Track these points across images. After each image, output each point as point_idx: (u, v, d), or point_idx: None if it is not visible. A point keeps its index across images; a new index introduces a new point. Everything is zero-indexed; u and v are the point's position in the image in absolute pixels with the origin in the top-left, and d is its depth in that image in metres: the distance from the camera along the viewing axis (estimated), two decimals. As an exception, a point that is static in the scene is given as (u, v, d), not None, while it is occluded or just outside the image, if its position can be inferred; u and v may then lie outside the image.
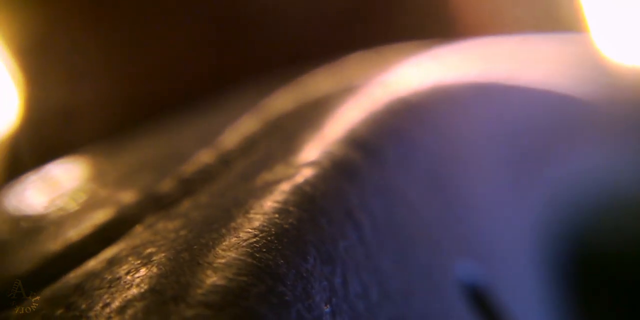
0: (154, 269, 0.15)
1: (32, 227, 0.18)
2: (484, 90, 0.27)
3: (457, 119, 0.25)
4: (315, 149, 0.19)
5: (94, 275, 0.15)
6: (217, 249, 0.15)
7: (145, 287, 0.14)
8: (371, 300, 0.16)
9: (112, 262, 0.15)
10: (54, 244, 0.17)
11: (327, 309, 0.15)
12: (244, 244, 0.15)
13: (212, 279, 0.14)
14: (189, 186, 0.18)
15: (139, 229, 0.17)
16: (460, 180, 0.23)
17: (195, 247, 0.15)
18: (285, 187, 0.17)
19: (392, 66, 0.24)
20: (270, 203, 0.16)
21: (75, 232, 0.17)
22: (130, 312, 0.14)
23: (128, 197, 0.18)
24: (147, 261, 0.15)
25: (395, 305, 0.17)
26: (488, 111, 0.27)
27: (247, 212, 0.16)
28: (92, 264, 0.16)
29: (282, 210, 0.16)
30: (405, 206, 0.19)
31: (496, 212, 0.24)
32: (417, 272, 0.18)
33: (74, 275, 0.15)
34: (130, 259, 0.15)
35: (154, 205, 0.18)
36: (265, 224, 0.16)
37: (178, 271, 0.15)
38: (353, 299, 0.16)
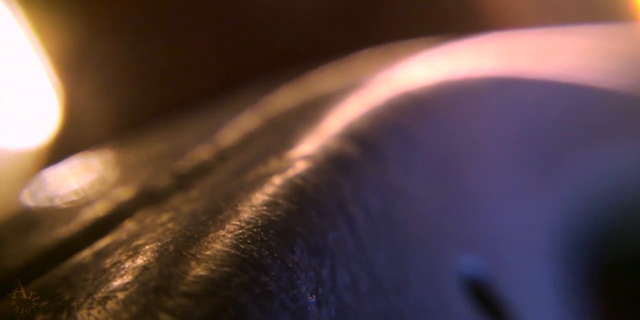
0: (139, 261, 0.15)
1: (30, 222, 0.19)
2: (500, 85, 0.27)
3: (468, 113, 0.25)
4: (311, 143, 0.19)
5: (81, 267, 0.15)
6: (202, 241, 0.15)
7: (129, 278, 0.15)
8: (360, 292, 0.16)
9: (100, 255, 0.16)
10: (47, 239, 0.17)
11: (312, 299, 0.15)
12: (229, 235, 0.15)
13: (195, 270, 0.15)
14: (183, 181, 0.18)
15: (129, 223, 0.17)
16: (468, 176, 0.23)
17: (180, 239, 0.15)
18: (277, 180, 0.17)
19: (401, 62, 0.24)
20: (259, 196, 0.17)
21: (68, 227, 0.17)
22: (111, 302, 0.14)
23: (124, 192, 0.18)
24: (133, 253, 0.15)
25: (386, 297, 0.17)
26: (504, 106, 0.27)
27: (236, 205, 0.16)
28: (81, 257, 0.16)
29: (271, 203, 0.16)
30: (404, 200, 0.19)
31: (509, 209, 0.24)
32: (414, 266, 0.18)
33: (63, 268, 0.16)
34: (117, 251, 0.16)
35: (147, 200, 0.18)
36: (252, 216, 0.16)
37: (162, 263, 0.15)
38: (341, 290, 0.16)
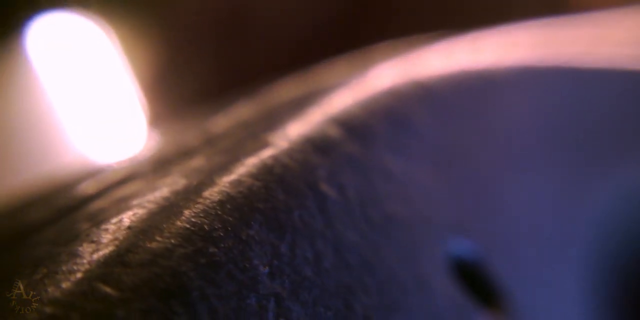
0: (94, 233, 0.16)
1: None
2: (529, 75, 0.27)
3: (490, 104, 0.25)
4: (294, 127, 0.19)
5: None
6: (157, 216, 0.16)
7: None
8: (323, 266, 0.17)
9: (64, 225, 0.16)
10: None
11: (265, 270, 0.16)
12: (184, 210, 0.16)
13: (141, 242, 0.15)
14: (167, 166, 0.19)
15: (100, 202, 0.18)
16: (479, 166, 0.23)
17: (143, 216, 0.16)
18: (248, 160, 0.18)
19: (412, 54, 0.24)
20: (225, 174, 0.17)
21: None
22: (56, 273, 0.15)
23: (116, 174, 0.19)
24: (92, 224, 0.16)
25: (353, 274, 0.17)
26: (536, 98, 0.27)
27: (202, 183, 0.17)
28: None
29: (234, 180, 0.17)
30: (390, 183, 0.19)
31: (529, 205, 0.24)
32: (392, 245, 0.18)
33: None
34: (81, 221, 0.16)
35: (131, 178, 0.19)
36: (212, 192, 0.16)
37: (115, 238, 0.16)
38: (299, 263, 0.16)
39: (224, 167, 0.17)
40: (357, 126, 0.20)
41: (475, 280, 0.20)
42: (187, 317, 0.14)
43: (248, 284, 0.15)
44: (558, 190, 0.26)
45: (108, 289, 0.14)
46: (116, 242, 0.15)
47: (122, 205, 0.17)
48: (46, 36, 0.58)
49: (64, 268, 0.14)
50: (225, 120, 0.21)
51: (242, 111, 0.22)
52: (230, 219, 0.16)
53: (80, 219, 0.16)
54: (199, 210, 0.16)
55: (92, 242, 0.15)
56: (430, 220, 0.20)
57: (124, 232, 0.15)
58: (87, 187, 0.18)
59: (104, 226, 0.15)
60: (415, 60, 0.24)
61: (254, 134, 0.19)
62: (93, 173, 0.20)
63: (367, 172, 0.19)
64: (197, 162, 0.19)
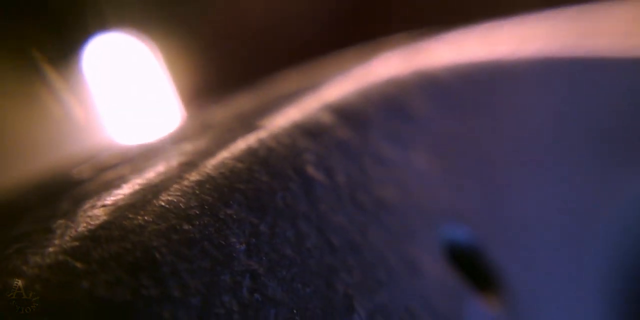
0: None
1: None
2: (548, 66, 0.27)
3: (500, 95, 0.25)
4: (286, 113, 0.19)
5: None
6: (136, 195, 0.16)
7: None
8: (304, 246, 0.17)
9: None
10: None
11: (241, 247, 0.16)
12: (163, 190, 0.16)
13: (119, 220, 0.15)
14: (158, 153, 0.19)
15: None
16: (487, 156, 0.23)
17: (130, 196, 0.16)
18: (234, 144, 0.18)
19: (420, 45, 0.24)
20: (208, 158, 0.17)
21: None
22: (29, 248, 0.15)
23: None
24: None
25: (337, 254, 0.17)
26: (557, 89, 0.27)
27: (186, 166, 0.17)
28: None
29: (218, 163, 0.17)
30: (384, 169, 0.19)
31: (536, 197, 0.24)
32: (383, 229, 0.18)
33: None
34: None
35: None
36: (192, 174, 0.17)
37: (104, 215, 0.16)
38: (279, 242, 0.16)
39: (209, 150, 0.18)
40: (351, 113, 0.20)
41: (473, 266, 0.20)
42: (156, 291, 0.14)
43: (223, 261, 0.15)
44: (576, 187, 0.25)
45: (75, 263, 0.14)
46: (89, 219, 0.15)
47: (104, 186, 0.17)
48: (101, 54, 0.60)
49: (35, 243, 0.15)
50: (223, 110, 0.21)
51: (241, 102, 0.22)
52: (209, 198, 0.16)
53: (65, 200, 0.17)
54: (176, 190, 0.16)
55: (67, 219, 0.15)
56: (424, 206, 0.20)
57: (99, 210, 0.15)
58: (81, 171, 0.19)
59: (81, 205, 0.16)
60: (422, 51, 0.24)
61: (247, 121, 0.19)
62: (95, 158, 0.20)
63: (360, 157, 0.19)
64: (186, 147, 0.19)
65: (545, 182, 0.24)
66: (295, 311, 0.16)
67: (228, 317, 0.15)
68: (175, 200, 0.16)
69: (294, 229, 0.17)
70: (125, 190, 0.16)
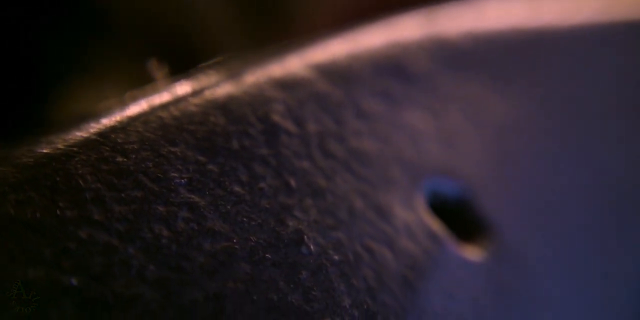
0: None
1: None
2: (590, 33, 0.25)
3: (532, 63, 0.24)
4: (265, 69, 0.19)
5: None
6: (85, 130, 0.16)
7: None
8: (257, 186, 0.16)
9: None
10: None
11: (182, 181, 0.15)
12: (106, 129, 0.16)
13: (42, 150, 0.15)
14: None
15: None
16: (498, 120, 0.21)
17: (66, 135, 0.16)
18: (197, 92, 0.17)
19: (443, 12, 0.24)
20: (165, 102, 0.17)
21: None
22: None
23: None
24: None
25: (293, 195, 0.16)
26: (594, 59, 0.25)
27: (138, 108, 0.17)
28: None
29: (168, 105, 0.17)
30: (365, 124, 0.19)
31: (545, 165, 0.22)
32: (354, 176, 0.17)
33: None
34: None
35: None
36: (139, 115, 0.16)
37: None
38: (228, 181, 0.16)
39: (173, 98, 0.17)
40: (335, 69, 0.19)
41: (460, 217, 0.18)
42: (73, 213, 0.14)
43: (158, 192, 0.15)
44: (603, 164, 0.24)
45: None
46: (15, 150, 0.15)
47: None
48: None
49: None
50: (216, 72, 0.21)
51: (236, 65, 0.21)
52: (151, 135, 0.16)
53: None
54: (118, 128, 0.16)
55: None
56: (408, 158, 0.19)
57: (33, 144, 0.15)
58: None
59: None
60: (441, 17, 0.23)
61: (223, 74, 0.19)
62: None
63: (338, 109, 0.18)
64: (161, 99, 0.18)
65: (557, 151, 0.23)
66: (235, 241, 0.15)
67: (155, 242, 0.14)
68: (113, 136, 0.15)
69: (248, 170, 0.16)
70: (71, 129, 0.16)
